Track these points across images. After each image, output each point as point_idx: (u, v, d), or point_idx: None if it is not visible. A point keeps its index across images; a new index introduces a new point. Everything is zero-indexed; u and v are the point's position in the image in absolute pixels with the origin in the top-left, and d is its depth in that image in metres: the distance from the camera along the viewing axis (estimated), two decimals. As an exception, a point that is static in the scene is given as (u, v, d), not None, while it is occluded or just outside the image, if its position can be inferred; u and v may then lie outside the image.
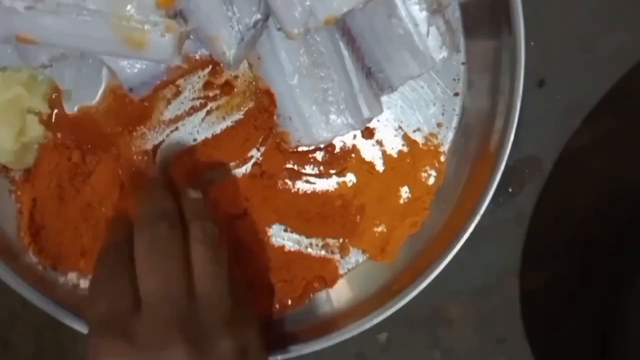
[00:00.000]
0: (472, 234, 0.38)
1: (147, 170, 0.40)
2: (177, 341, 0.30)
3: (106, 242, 0.36)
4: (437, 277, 0.39)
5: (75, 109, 0.39)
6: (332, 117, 0.37)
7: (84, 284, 0.41)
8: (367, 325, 0.40)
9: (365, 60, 0.37)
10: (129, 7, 0.32)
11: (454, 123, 0.41)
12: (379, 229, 0.42)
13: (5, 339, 0.45)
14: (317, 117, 0.37)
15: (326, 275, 0.42)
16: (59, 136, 0.39)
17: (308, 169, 0.41)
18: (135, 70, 0.36)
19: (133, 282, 0.32)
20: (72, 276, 0.41)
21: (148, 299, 0.32)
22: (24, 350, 0.45)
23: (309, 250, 0.41)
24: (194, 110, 0.40)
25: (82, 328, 0.39)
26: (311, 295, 0.42)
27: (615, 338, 0.43)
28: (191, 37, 0.35)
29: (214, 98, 0.40)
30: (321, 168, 0.41)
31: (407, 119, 0.41)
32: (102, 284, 0.33)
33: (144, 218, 0.34)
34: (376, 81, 0.38)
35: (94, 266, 0.35)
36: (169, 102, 0.40)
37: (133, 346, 0.30)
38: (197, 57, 0.38)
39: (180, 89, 0.40)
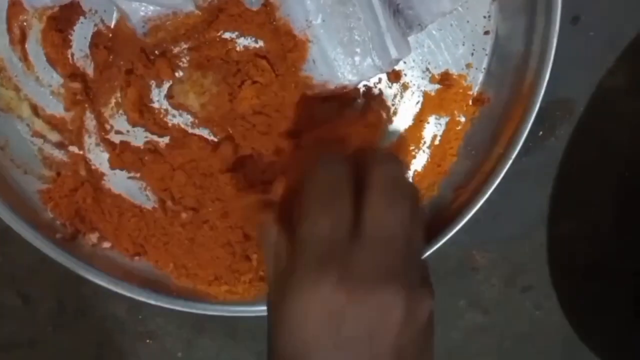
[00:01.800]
0: (502, 180, 0.37)
1: None
2: (396, 281, 0.28)
3: (323, 162, 0.32)
4: (465, 225, 0.38)
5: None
6: (358, 58, 0.35)
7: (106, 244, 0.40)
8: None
9: (394, -5, 0.35)
10: (139, -52, 0.30)
11: (484, 64, 0.39)
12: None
13: (25, 294, 0.45)
14: (342, 59, 0.35)
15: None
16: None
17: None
18: (149, 13, 0.34)
19: (353, 209, 0.29)
20: (91, 237, 0.40)
21: (375, 232, 0.29)
22: (45, 304, 0.45)
23: None
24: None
25: (103, 283, 0.38)
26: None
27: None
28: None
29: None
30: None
31: (434, 59, 0.39)
32: (325, 202, 0.30)
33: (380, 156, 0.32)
34: (404, 19, 0.36)
35: (307, 183, 0.31)
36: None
37: (349, 274, 0.27)
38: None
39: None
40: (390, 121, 0.40)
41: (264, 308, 0.32)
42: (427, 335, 0.30)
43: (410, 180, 0.38)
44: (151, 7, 0.34)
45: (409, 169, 0.40)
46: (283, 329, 0.28)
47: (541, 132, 0.43)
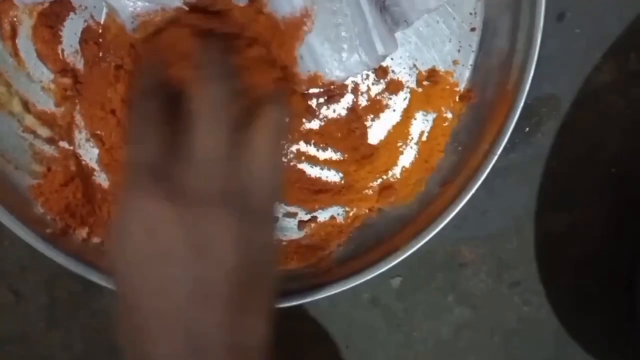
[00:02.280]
0: (488, 175, 0.38)
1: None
2: (223, 202, 0.29)
3: (140, 87, 0.33)
4: (452, 221, 0.39)
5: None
6: (345, 54, 0.35)
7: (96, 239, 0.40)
8: (381, 270, 0.39)
9: (380, -7, 0.35)
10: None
11: (470, 60, 0.40)
12: (393, 171, 0.41)
13: (16, 290, 0.45)
14: (329, 55, 0.36)
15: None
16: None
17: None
18: (138, 9, 0.35)
19: (174, 132, 0.30)
20: (81, 232, 0.40)
21: (198, 156, 0.29)
22: (37, 300, 0.45)
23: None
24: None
25: (94, 278, 0.39)
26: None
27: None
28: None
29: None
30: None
31: (422, 56, 0.40)
32: (142, 128, 0.31)
33: (209, 72, 0.31)
34: (391, 15, 0.36)
35: (128, 114, 0.33)
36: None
37: (174, 193, 0.28)
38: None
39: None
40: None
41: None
42: (262, 264, 0.30)
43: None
44: (140, 3, 0.34)
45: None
46: (111, 245, 0.30)
47: (527, 128, 0.44)
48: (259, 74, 0.33)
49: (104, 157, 0.40)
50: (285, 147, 0.33)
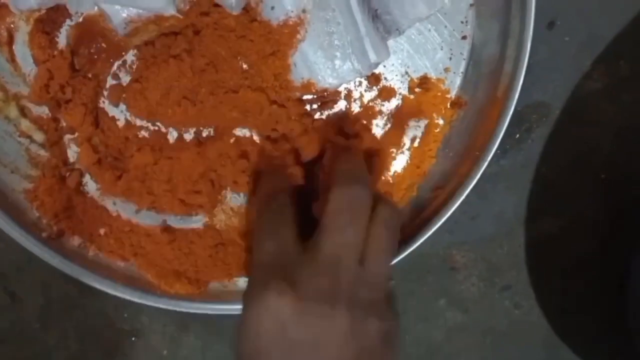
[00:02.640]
0: (480, 182, 0.38)
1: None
2: (343, 303, 0.31)
3: (266, 191, 0.37)
4: (444, 226, 0.39)
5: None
6: (338, 62, 0.36)
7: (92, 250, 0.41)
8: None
9: (372, 1, 0.36)
10: (124, -48, 0.31)
11: (462, 68, 0.40)
12: (385, 177, 0.41)
13: (12, 292, 0.46)
14: (322, 63, 0.36)
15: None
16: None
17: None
18: (131, 15, 0.35)
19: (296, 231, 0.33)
20: (75, 237, 0.41)
21: (326, 253, 0.32)
22: (32, 302, 0.46)
23: None
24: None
25: (89, 281, 0.39)
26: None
27: (630, 290, 0.42)
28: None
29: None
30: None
31: (413, 63, 0.40)
32: (269, 227, 0.34)
33: (343, 177, 0.34)
34: (383, 24, 0.37)
35: (257, 216, 0.36)
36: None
37: (298, 292, 0.30)
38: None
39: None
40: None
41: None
42: (379, 353, 0.32)
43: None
44: (133, 9, 0.35)
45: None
46: (241, 337, 0.31)
47: (518, 135, 0.44)
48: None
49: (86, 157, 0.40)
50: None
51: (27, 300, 0.46)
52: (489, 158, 0.38)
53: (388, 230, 0.34)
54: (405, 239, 0.39)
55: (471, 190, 0.38)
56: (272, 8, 0.36)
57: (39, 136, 0.40)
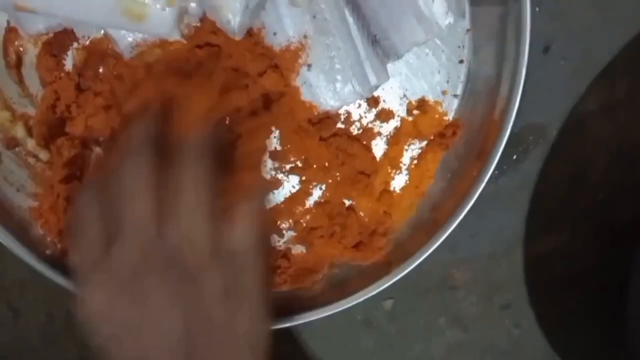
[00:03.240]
0: (478, 201, 0.39)
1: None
2: (147, 271, 0.31)
3: (81, 198, 0.35)
4: (444, 244, 0.39)
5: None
6: (339, 85, 0.37)
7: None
8: (373, 293, 0.40)
9: (371, 27, 0.37)
10: (129, -22, 0.32)
11: (459, 90, 0.41)
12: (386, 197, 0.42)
13: (15, 308, 0.46)
14: (324, 86, 0.37)
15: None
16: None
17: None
18: (137, 40, 0.36)
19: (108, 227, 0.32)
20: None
21: (119, 238, 0.31)
22: (35, 318, 0.46)
23: None
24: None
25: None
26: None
27: (628, 309, 0.43)
28: (193, 4, 0.34)
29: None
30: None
31: (412, 86, 0.41)
32: (78, 233, 0.33)
33: (130, 145, 0.33)
34: (382, 48, 0.37)
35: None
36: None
37: (108, 279, 0.31)
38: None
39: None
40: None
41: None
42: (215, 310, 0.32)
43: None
44: (138, 34, 0.36)
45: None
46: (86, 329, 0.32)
47: (515, 156, 0.45)
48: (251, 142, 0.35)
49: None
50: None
51: (29, 316, 0.46)
52: (487, 178, 0.38)
53: (185, 190, 0.32)
54: (405, 258, 0.40)
55: (470, 209, 0.39)
56: (274, 34, 0.37)
57: (44, 155, 0.41)
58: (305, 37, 0.36)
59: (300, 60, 0.37)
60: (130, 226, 0.31)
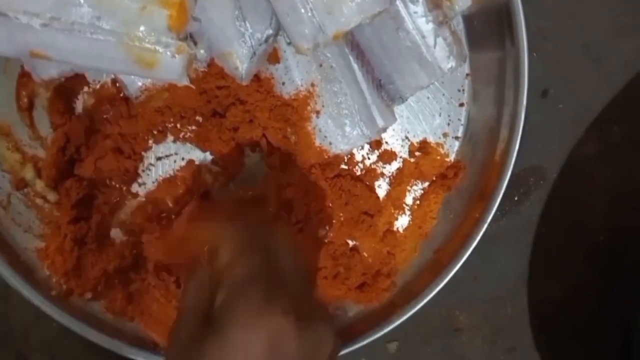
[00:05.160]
0: (481, 243, 0.39)
1: None
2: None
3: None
4: (447, 286, 0.40)
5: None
6: (348, 129, 0.38)
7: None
8: (378, 335, 0.40)
9: (375, 72, 0.38)
10: (141, 28, 0.33)
11: (460, 133, 0.42)
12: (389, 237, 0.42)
13: (19, 350, 0.46)
14: (333, 131, 0.38)
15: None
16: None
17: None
18: (147, 84, 0.37)
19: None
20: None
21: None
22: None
23: None
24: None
25: (94, 339, 0.39)
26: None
27: (633, 354, 0.42)
28: (202, 51, 0.35)
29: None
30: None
31: (413, 129, 0.42)
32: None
33: None
34: (387, 93, 0.38)
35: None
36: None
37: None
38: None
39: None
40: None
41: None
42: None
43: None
44: (148, 80, 0.37)
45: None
46: None
47: (516, 197, 0.45)
48: None
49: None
50: None
51: (33, 358, 0.46)
52: (489, 219, 0.39)
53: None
54: (409, 299, 0.40)
55: (473, 251, 0.39)
56: (283, 83, 0.38)
57: (52, 196, 0.41)
58: (313, 85, 0.38)
59: (309, 108, 0.38)
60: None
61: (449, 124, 0.42)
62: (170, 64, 0.33)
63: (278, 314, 0.30)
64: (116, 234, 0.42)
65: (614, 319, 0.46)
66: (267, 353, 0.29)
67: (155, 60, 0.33)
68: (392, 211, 0.42)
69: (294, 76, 0.38)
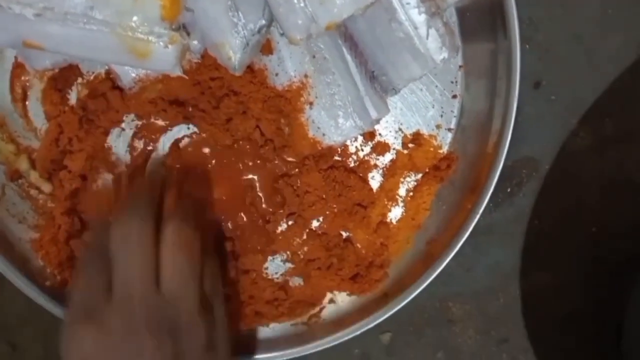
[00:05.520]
0: (473, 234, 0.39)
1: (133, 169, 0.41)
2: (143, 330, 0.32)
3: (88, 241, 0.38)
4: (440, 278, 0.40)
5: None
6: (341, 120, 0.38)
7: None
8: (370, 325, 0.41)
9: (369, 64, 0.38)
10: (134, 18, 0.33)
11: (453, 124, 0.42)
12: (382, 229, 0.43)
13: (13, 342, 0.46)
14: (326, 122, 0.38)
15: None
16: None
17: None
18: (140, 75, 0.37)
19: (109, 275, 0.34)
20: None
21: (118, 291, 0.33)
22: (32, 352, 0.46)
23: None
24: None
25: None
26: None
27: (625, 339, 0.43)
28: (195, 41, 0.36)
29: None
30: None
31: (406, 121, 0.42)
32: (79, 277, 0.35)
33: (120, 214, 0.35)
34: (379, 84, 0.39)
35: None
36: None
37: (103, 331, 0.32)
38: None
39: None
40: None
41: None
42: None
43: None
44: (142, 70, 0.37)
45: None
46: None
47: (509, 189, 0.46)
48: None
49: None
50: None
51: (27, 351, 0.46)
52: (481, 210, 0.39)
53: (179, 250, 0.34)
54: (401, 290, 0.40)
55: (465, 242, 0.39)
56: (276, 74, 0.38)
57: (46, 187, 0.42)
58: (306, 76, 0.38)
59: (302, 99, 0.38)
60: (131, 281, 0.33)
61: (442, 116, 0.42)
62: (163, 54, 0.33)
63: (76, 339, 0.33)
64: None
65: (607, 310, 0.46)
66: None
67: (149, 51, 0.33)
68: (386, 203, 0.42)
69: (287, 67, 0.38)
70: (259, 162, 0.41)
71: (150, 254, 0.34)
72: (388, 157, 0.42)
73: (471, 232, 0.39)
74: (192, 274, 0.35)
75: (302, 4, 0.33)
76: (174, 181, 0.39)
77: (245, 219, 0.41)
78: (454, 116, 0.42)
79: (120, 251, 0.34)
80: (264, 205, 0.41)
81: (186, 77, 0.38)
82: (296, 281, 0.43)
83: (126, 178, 0.40)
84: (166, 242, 0.34)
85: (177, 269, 0.34)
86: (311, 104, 0.38)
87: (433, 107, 0.42)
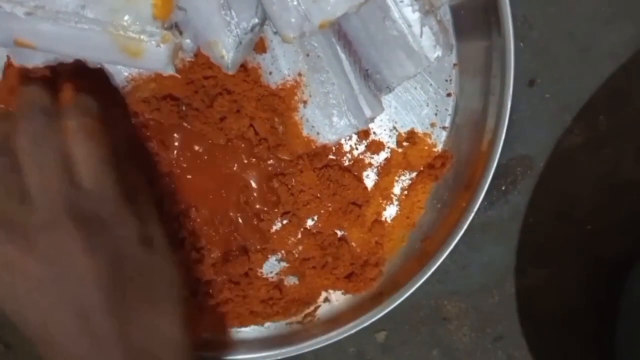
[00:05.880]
0: (468, 232, 0.39)
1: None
2: (65, 222, 0.31)
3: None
4: (435, 276, 0.40)
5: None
6: (335, 119, 0.38)
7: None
8: (365, 324, 0.41)
9: (362, 62, 0.38)
10: (126, 17, 0.33)
11: (447, 123, 0.42)
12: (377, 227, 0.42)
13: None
14: (320, 121, 0.38)
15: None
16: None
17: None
18: (133, 74, 0.37)
19: (20, 176, 0.33)
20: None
21: (33, 191, 0.32)
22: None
23: None
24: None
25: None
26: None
27: (617, 339, 0.43)
28: (187, 40, 0.35)
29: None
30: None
31: (401, 119, 0.42)
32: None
33: (24, 112, 0.34)
34: (374, 82, 0.38)
35: None
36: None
37: (21, 234, 0.31)
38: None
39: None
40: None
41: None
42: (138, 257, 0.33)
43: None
44: (134, 69, 0.36)
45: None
46: None
47: (504, 187, 0.46)
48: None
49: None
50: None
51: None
52: (476, 209, 0.39)
53: (87, 137, 0.33)
54: (396, 288, 0.40)
55: (460, 240, 0.39)
56: (270, 73, 0.38)
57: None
58: (300, 75, 0.38)
59: (296, 98, 0.38)
60: (47, 179, 0.32)
61: (436, 114, 0.42)
62: (155, 53, 0.33)
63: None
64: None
65: (602, 307, 0.47)
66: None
67: (141, 50, 0.33)
68: (380, 201, 0.42)
69: (280, 66, 0.38)
70: (253, 161, 0.40)
71: (61, 147, 0.33)
72: (382, 155, 0.42)
73: (466, 230, 0.39)
74: (106, 159, 0.34)
75: (295, 2, 0.33)
76: (66, 77, 0.37)
77: (239, 218, 0.41)
78: (449, 114, 0.42)
79: (29, 151, 0.32)
80: (258, 205, 0.41)
81: (179, 76, 0.38)
82: (291, 280, 0.43)
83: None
84: (71, 132, 0.33)
85: (88, 154, 0.33)
86: (305, 102, 0.38)
87: (427, 106, 0.42)
